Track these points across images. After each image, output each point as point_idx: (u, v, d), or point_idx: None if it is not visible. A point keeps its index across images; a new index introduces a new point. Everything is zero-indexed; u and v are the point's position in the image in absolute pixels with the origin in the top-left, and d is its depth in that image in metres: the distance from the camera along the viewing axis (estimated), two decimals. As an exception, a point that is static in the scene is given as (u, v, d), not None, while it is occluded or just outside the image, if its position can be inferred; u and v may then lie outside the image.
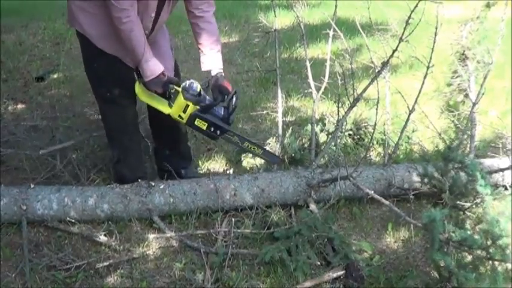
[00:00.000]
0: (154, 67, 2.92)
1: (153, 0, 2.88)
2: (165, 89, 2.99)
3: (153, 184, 3.12)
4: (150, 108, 3.43)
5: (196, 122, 3.01)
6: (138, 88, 3.04)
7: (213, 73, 3.14)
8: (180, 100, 2.96)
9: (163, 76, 2.96)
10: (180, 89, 2.96)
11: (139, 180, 3.19)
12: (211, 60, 3.14)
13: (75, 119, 4.35)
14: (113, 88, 3.09)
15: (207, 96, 3.04)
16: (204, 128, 3.03)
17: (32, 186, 3.04)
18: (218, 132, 3.06)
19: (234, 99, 3.05)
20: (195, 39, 3.19)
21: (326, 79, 3.52)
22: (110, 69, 3.04)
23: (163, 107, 3.06)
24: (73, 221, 3.00)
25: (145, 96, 3.06)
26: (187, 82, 2.96)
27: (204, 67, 3.18)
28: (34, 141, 3.78)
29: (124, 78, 3.08)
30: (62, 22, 6.72)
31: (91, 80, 3.15)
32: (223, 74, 3.17)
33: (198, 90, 2.97)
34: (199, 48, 3.16)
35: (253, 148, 3.33)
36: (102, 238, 2.94)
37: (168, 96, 3.04)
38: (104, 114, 3.28)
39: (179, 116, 3.02)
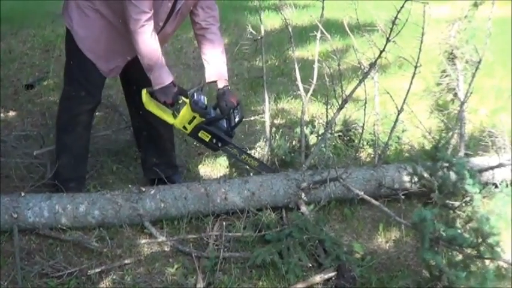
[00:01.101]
0: (166, 75, 2.92)
1: (164, 9, 2.89)
2: (174, 99, 2.98)
3: (143, 190, 3.11)
4: (135, 118, 3.44)
5: (200, 134, 3.04)
6: (145, 97, 3.02)
7: (220, 85, 3.14)
8: (188, 111, 2.97)
9: (174, 86, 2.96)
10: (187, 101, 2.96)
11: (74, 179, 3.25)
12: (216, 71, 3.14)
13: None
14: (80, 90, 3.11)
15: (212, 109, 3.06)
16: (207, 140, 3.06)
17: (23, 194, 3.02)
18: (220, 144, 3.09)
19: (237, 112, 3.07)
20: (200, 51, 3.21)
21: (314, 81, 3.53)
22: (83, 71, 3.06)
23: (168, 117, 3.06)
24: (64, 228, 2.99)
25: (152, 106, 3.04)
26: (195, 94, 2.97)
27: (209, 78, 3.17)
28: (25, 149, 3.77)
29: (93, 84, 3.11)
30: (52, 29, 6.72)
31: (64, 74, 3.20)
32: (229, 88, 3.17)
33: (206, 103, 2.98)
34: (205, 59, 3.16)
35: (250, 160, 3.38)
36: (94, 244, 2.93)
37: (174, 107, 3.04)
38: (60, 110, 3.28)
39: (183, 127, 3.03)
